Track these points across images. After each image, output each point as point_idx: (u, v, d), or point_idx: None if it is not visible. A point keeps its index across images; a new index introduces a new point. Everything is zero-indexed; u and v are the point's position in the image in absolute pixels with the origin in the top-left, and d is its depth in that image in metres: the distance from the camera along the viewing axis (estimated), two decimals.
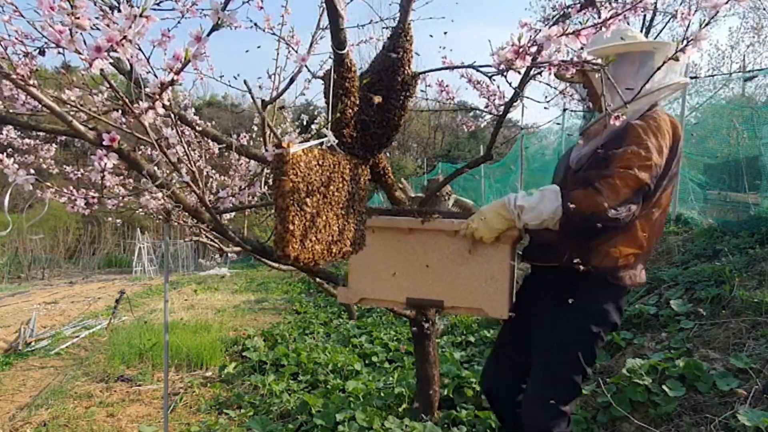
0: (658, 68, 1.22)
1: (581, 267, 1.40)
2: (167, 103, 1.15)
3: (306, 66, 1.59)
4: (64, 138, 1.98)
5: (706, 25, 1.02)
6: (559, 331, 1.51)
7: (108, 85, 1.25)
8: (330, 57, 1.74)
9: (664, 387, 2.30)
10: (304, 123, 4.22)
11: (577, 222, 1.36)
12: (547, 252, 1.55)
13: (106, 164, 1.30)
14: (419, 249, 1.50)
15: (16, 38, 1.44)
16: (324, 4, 1.63)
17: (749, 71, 6.18)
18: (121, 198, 2.78)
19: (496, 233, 1.43)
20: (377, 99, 1.71)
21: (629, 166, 1.35)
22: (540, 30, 1.14)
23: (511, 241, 1.47)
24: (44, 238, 17.69)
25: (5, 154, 1.38)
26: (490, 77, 1.49)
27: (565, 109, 7.48)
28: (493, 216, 1.41)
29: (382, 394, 3.09)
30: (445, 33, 1.78)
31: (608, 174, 1.35)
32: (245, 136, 2.84)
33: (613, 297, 1.51)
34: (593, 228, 1.36)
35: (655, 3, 1.13)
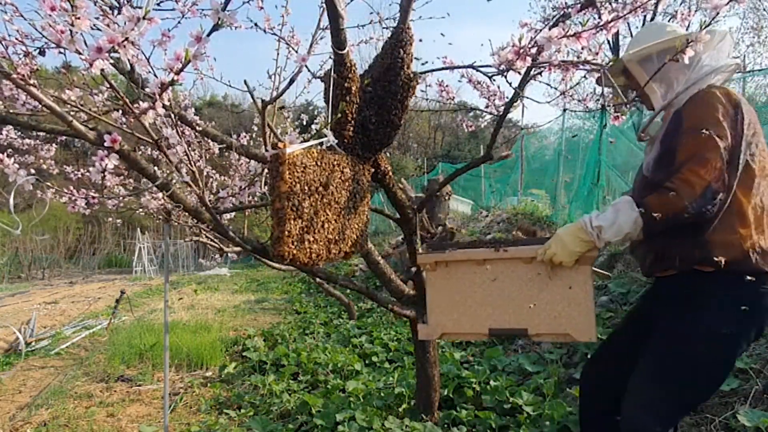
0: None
1: (710, 266, 1.30)
2: (167, 103, 1.15)
3: (306, 66, 1.59)
4: (64, 138, 1.98)
5: (707, 26, 1.02)
6: (681, 339, 1.37)
7: (108, 86, 1.25)
8: (330, 57, 1.74)
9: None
10: (304, 123, 4.22)
11: (660, 227, 1.29)
12: (661, 261, 1.44)
13: (106, 164, 1.30)
14: (497, 278, 1.47)
15: (17, 38, 1.44)
16: (324, 4, 1.63)
17: (749, 71, 6.17)
18: (121, 198, 2.78)
19: (576, 256, 1.38)
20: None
21: (694, 152, 1.26)
22: (540, 30, 1.14)
23: (590, 262, 1.42)
24: (47, 238, 17.71)
25: (5, 154, 1.38)
26: (490, 77, 1.49)
27: (565, 110, 7.48)
28: (572, 240, 1.36)
29: (382, 394, 3.09)
30: (443, 35, 1.77)
31: (676, 169, 1.27)
32: (245, 136, 2.84)
33: (752, 292, 1.32)
34: (699, 221, 1.27)
35: (656, 4, 1.14)
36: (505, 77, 1.43)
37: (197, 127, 2.05)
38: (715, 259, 1.29)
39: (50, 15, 0.88)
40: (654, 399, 1.37)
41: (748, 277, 1.28)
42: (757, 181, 1.34)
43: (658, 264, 1.45)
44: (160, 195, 1.97)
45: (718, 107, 1.30)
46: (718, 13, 1.02)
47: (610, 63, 1.44)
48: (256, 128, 3.81)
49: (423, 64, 1.88)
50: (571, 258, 1.37)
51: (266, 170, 2.12)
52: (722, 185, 1.25)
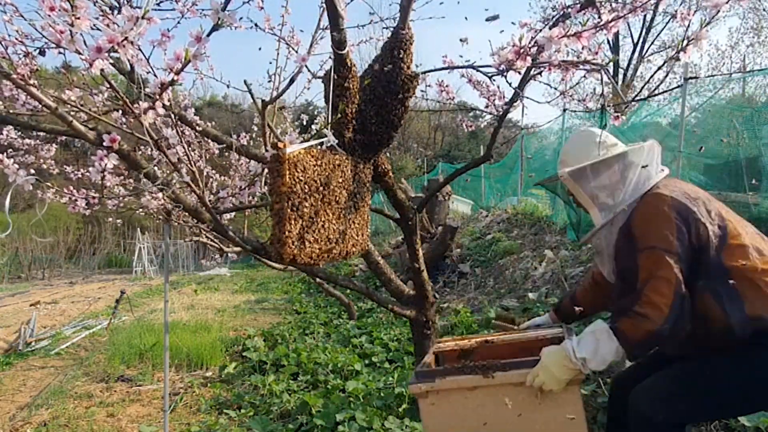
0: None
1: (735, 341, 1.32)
2: (167, 103, 1.15)
3: (306, 66, 1.59)
4: (64, 138, 1.98)
5: (707, 25, 1.02)
6: (726, 366, 1.37)
7: (108, 86, 1.25)
8: (330, 57, 1.74)
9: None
10: (304, 123, 4.22)
11: (643, 352, 1.34)
12: (680, 347, 1.46)
13: (106, 164, 1.30)
14: (489, 402, 1.49)
15: (17, 38, 1.44)
16: (324, 4, 1.63)
17: (749, 71, 6.17)
18: (121, 198, 2.78)
19: (565, 383, 1.40)
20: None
21: (651, 273, 1.32)
22: (540, 30, 1.14)
23: (579, 381, 1.45)
24: (49, 240, 17.71)
25: (5, 154, 1.38)
26: (490, 77, 1.49)
27: (565, 110, 7.49)
28: (559, 369, 1.38)
29: (382, 394, 3.09)
30: (463, 40, 1.77)
31: (639, 294, 1.32)
32: (245, 137, 2.84)
33: None
34: (677, 334, 1.31)
35: (656, 3, 1.13)
36: (505, 77, 1.43)
37: (197, 127, 2.05)
38: (737, 330, 1.31)
39: (50, 15, 0.88)
40: (673, 395, 1.39)
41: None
42: (748, 249, 1.37)
43: (679, 349, 1.47)
44: (160, 195, 1.97)
45: (662, 221, 1.35)
46: (718, 12, 1.02)
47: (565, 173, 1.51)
48: (256, 128, 3.80)
49: (418, 66, 1.87)
50: (560, 386, 1.40)
51: (266, 170, 2.12)
52: (687, 298, 1.30)
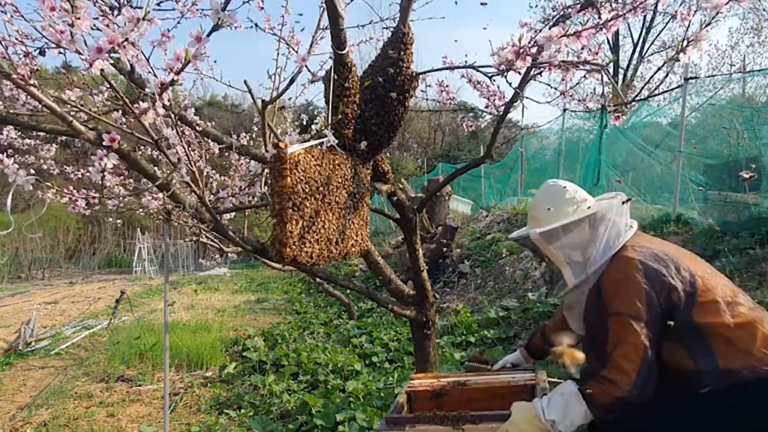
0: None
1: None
2: (167, 103, 1.15)
3: (306, 66, 1.59)
4: (64, 138, 1.98)
5: (707, 26, 1.02)
6: None
7: (108, 86, 1.25)
8: (330, 57, 1.74)
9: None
10: (304, 123, 4.22)
11: (613, 416, 1.36)
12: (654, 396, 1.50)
13: (106, 164, 1.30)
14: None
15: (17, 38, 1.44)
16: (324, 4, 1.63)
17: (749, 71, 6.17)
18: (121, 198, 2.78)
19: None
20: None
21: (619, 339, 1.35)
22: (540, 30, 1.14)
23: None
24: (43, 238, 17.69)
25: (5, 154, 1.38)
26: (490, 77, 1.49)
27: (565, 110, 7.49)
28: (527, 427, 1.39)
29: (382, 394, 3.09)
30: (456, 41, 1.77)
31: (607, 360, 1.36)
32: (245, 136, 2.83)
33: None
34: (644, 399, 1.34)
35: (656, 4, 1.13)
36: (505, 77, 1.43)
37: (197, 127, 2.05)
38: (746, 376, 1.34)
39: (50, 15, 0.88)
40: None
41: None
42: (719, 305, 1.38)
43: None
44: (160, 195, 1.97)
45: (632, 286, 1.38)
46: (718, 13, 1.02)
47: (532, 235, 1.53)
48: (256, 128, 3.80)
49: (425, 67, 1.88)
50: None
51: (267, 170, 2.12)
52: (654, 364, 1.33)
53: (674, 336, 1.39)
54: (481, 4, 1.58)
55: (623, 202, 1.55)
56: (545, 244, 1.52)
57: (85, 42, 0.93)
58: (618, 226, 1.50)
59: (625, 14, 1.11)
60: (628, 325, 1.34)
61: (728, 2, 1.00)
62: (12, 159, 1.38)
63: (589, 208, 1.55)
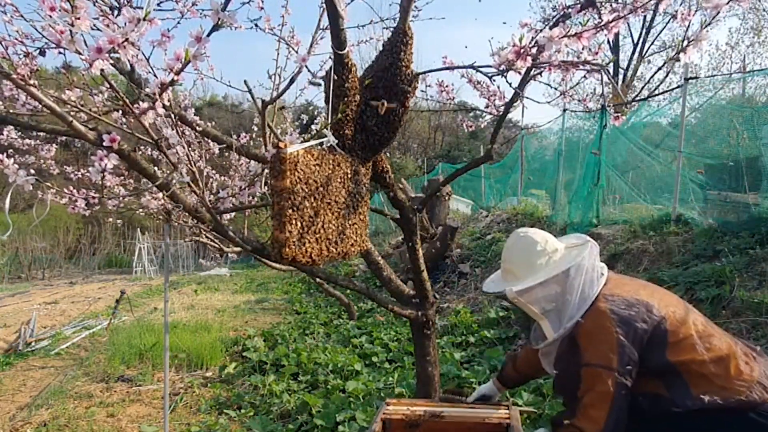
0: None
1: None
2: (167, 104, 1.15)
3: (306, 66, 1.59)
4: (64, 138, 1.98)
5: (707, 26, 1.02)
6: None
7: (108, 86, 1.25)
8: (330, 57, 1.74)
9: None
10: (304, 123, 4.22)
11: None
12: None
13: (106, 165, 1.30)
14: None
15: (17, 38, 1.44)
16: (324, 5, 1.63)
17: (749, 72, 6.17)
18: (121, 198, 2.78)
19: None
20: (381, 106, 1.70)
21: (589, 387, 1.39)
22: (541, 30, 1.14)
23: None
24: (43, 238, 17.70)
25: (6, 154, 1.37)
26: (490, 77, 1.49)
27: (565, 110, 7.49)
28: None
29: (382, 394, 3.09)
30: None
31: (576, 408, 1.41)
32: (245, 137, 2.84)
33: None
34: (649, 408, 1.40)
35: (656, 4, 1.13)
36: (505, 77, 1.43)
37: (197, 127, 2.05)
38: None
39: (50, 15, 0.88)
40: None
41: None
42: (692, 340, 1.43)
43: None
44: (160, 195, 1.97)
45: (604, 338, 1.41)
46: (718, 13, 1.02)
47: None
48: (256, 128, 3.80)
49: (425, 67, 1.88)
50: None
51: (267, 170, 2.12)
52: (624, 408, 1.38)
53: (651, 374, 1.43)
54: None
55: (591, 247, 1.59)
56: (522, 301, 1.55)
57: (85, 42, 0.93)
58: (591, 275, 1.53)
59: (626, 15, 1.11)
60: (599, 376, 1.39)
61: (728, 2, 1.00)
62: (12, 159, 1.38)
63: (560, 257, 1.59)
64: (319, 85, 1.83)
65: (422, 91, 2.07)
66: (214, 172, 3.89)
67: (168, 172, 2.23)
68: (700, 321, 1.50)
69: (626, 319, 1.43)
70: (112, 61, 1.40)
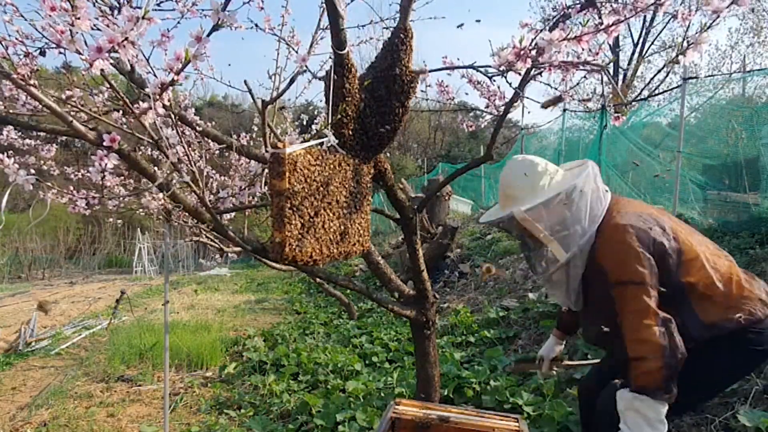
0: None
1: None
2: (167, 104, 1.15)
3: (306, 66, 1.59)
4: (64, 138, 1.98)
5: (707, 28, 1.02)
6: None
7: (108, 86, 1.25)
8: (330, 57, 1.74)
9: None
10: (304, 123, 4.22)
11: (671, 386, 1.28)
12: None
13: (106, 164, 1.30)
14: None
15: (17, 38, 1.44)
16: (324, 5, 1.63)
17: (749, 71, 6.17)
18: (121, 198, 2.78)
19: None
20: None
21: (628, 309, 1.32)
22: (541, 31, 1.14)
23: None
24: (43, 238, 17.69)
25: (6, 154, 1.38)
26: (490, 78, 1.49)
27: (565, 110, 7.49)
28: None
29: (382, 394, 3.10)
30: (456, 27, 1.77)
31: (624, 340, 1.32)
32: (245, 137, 2.84)
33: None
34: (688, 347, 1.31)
35: (656, 5, 1.13)
36: (505, 77, 1.43)
37: (197, 127, 2.05)
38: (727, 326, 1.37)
39: (50, 15, 0.88)
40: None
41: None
42: (701, 259, 1.40)
43: None
44: (160, 195, 1.97)
45: (629, 253, 1.35)
46: (718, 17, 1.02)
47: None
48: (256, 128, 3.80)
49: (423, 62, 1.88)
50: None
51: (266, 170, 2.12)
52: (672, 320, 1.30)
53: (662, 297, 1.38)
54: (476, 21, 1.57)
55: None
56: (529, 220, 1.48)
57: (85, 42, 0.93)
58: (597, 193, 1.48)
59: (626, 18, 1.11)
60: (633, 293, 1.31)
61: (729, 7, 1.00)
62: (12, 159, 1.38)
63: (562, 178, 1.54)
64: (326, 81, 1.83)
65: (422, 91, 2.07)
66: (214, 172, 3.88)
67: (168, 172, 2.24)
68: (705, 241, 1.47)
69: (644, 231, 1.38)
70: (112, 61, 1.40)
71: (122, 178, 2.77)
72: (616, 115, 2.01)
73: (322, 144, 1.58)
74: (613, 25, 1.10)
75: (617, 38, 18.43)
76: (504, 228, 1.70)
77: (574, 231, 1.46)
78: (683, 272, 1.39)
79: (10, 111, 1.83)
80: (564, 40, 1.09)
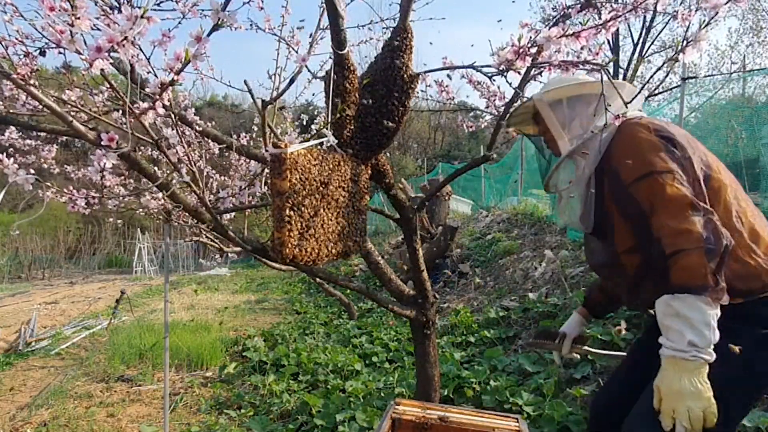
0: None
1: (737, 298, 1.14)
2: (167, 104, 1.15)
3: (306, 66, 1.59)
4: (65, 138, 1.98)
5: (706, 26, 1.02)
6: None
7: (108, 86, 1.25)
8: (330, 57, 1.74)
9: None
10: (304, 123, 4.23)
11: (718, 282, 1.07)
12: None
13: (105, 164, 1.30)
14: None
15: (17, 38, 1.44)
16: (324, 4, 1.63)
17: (749, 71, 6.17)
18: (121, 198, 2.78)
19: (709, 394, 1.06)
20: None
21: (652, 204, 1.13)
22: (540, 30, 1.14)
23: None
24: (43, 238, 17.70)
25: (5, 154, 1.38)
26: (490, 77, 1.49)
27: None
28: (680, 382, 1.07)
29: (382, 394, 3.10)
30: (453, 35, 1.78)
31: (657, 240, 1.11)
32: (245, 137, 2.84)
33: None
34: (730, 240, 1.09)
35: (655, 3, 1.14)
36: (505, 77, 1.43)
37: (197, 127, 2.05)
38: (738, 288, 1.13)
39: (50, 15, 0.88)
40: (652, 409, 1.18)
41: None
42: (728, 194, 1.21)
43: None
44: (160, 195, 1.97)
45: (644, 145, 1.20)
46: (717, 13, 1.02)
47: (528, 100, 1.43)
48: (256, 128, 3.81)
49: (424, 64, 1.88)
50: (706, 403, 1.05)
51: (266, 170, 2.12)
52: (709, 210, 1.11)
53: None
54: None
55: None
56: (548, 110, 1.40)
57: (85, 42, 0.93)
58: (625, 100, 1.30)
59: (625, 14, 1.11)
60: (654, 183, 1.14)
61: (728, 2, 1.00)
62: (12, 159, 1.38)
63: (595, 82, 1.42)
64: (326, 81, 1.83)
65: (422, 91, 2.07)
66: (214, 172, 3.89)
67: (168, 172, 2.24)
68: (733, 179, 1.27)
69: (667, 132, 1.20)
70: (111, 61, 1.40)
71: (122, 177, 2.77)
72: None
73: (322, 144, 1.58)
74: (611, 20, 1.10)
75: (617, 38, 18.45)
76: (522, 124, 1.60)
77: (587, 131, 1.34)
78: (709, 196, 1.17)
79: (10, 111, 1.83)
80: (563, 36, 1.09)
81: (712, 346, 1.06)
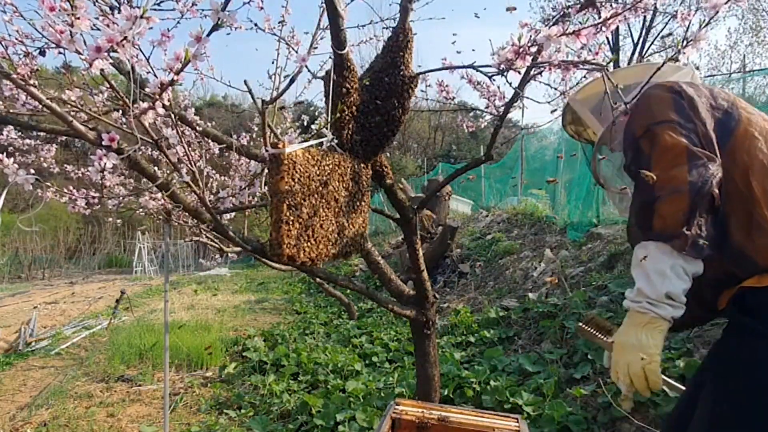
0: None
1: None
2: (167, 104, 1.15)
3: (306, 66, 1.59)
4: (64, 138, 1.98)
5: (706, 25, 1.02)
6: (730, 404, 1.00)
7: (108, 86, 1.25)
8: (330, 57, 1.74)
9: (664, 387, 2.28)
10: (305, 123, 4.23)
11: (697, 233, 0.95)
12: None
13: (105, 164, 1.30)
14: None
15: (17, 38, 1.44)
16: (324, 4, 1.63)
17: (749, 71, 6.17)
18: (121, 198, 2.78)
19: (657, 358, 0.97)
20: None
21: (650, 151, 1.03)
22: (540, 30, 1.14)
23: None
24: (43, 238, 17.71)
25: (5, 154, 1.38)
26: (490, 77, 1.49)
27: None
28: (631, 336, 0.99)
29: (382, 394, 3.10)
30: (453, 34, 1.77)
31: (656, 182, 1.00)
32: (245, 137, 2.84)
33: None
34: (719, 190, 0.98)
35: (655, 3, 1.14)
36: (505, 77, 1.43)
37: (197, 127, 2.05)
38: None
39: (50, 15, 0.88)
40: None
41: None
42: (760, 146, 1.04)
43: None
44: (160, 195, 1.97)
45: (652, 101, 1.10)
46: (717, 12, 1.02)
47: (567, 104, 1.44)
48: (256, 128, 3.81)
49: (419, 66, 1.88)
50: (647, 360, 0.96)
51: (266, 170, 2.12)
52: (711, 160, 0.99)
53: None
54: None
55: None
56: (582, 108, 1.44)
57: (84, 42, 0.93)
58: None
59: (624, 13, 1.11)
60: (653, 135, 1.04)
61: (728, 2, 1.00)
62: (12, 159, 1.38)
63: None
64: (326, 81, 1.83)
65: (422, 91, 2.07)
66: (214, 172, 3.89)
67: (168, 172, 2.24)
68: None
69: (679, 86, 1.09)
70: (111, 61, 1.40)
71: (122, 177, 2.77)
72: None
73: (321, 144, 1.58)
74: (610, 18, 1.10)
75: (617, 38, 18.45)
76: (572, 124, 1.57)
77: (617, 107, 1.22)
78: (732, 152, 1.03)
79: (10, 111, 1.83)
80: (562, 35, 1.09)
81: (677, 303, 0.96)
